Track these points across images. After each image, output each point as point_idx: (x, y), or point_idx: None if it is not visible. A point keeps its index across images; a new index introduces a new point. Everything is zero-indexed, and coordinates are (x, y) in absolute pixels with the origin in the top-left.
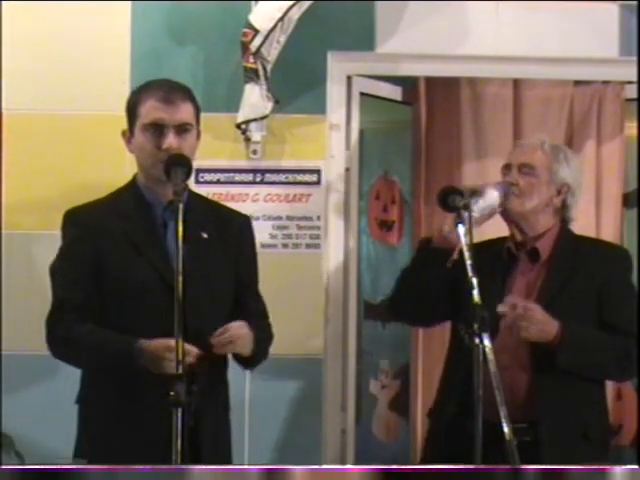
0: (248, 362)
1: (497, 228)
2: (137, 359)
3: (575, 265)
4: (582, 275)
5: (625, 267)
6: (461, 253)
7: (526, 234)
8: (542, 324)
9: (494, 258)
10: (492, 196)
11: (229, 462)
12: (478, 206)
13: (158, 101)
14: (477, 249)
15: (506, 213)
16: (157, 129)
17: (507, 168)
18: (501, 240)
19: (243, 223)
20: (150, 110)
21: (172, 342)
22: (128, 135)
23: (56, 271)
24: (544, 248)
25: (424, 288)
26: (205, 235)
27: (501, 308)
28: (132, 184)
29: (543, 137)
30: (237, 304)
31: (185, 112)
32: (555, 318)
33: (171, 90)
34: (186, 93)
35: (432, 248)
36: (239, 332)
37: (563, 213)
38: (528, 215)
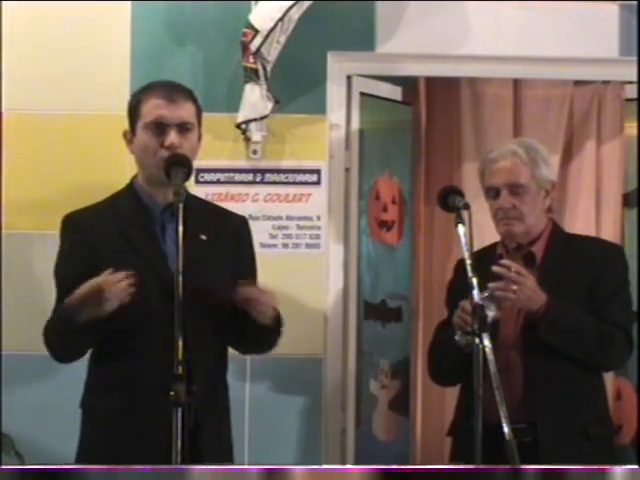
0: (261, 338)
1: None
2: (76, 315)
3: (568, 264)
4: (575, 273)
5: (617, 262)
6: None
7: (521, 242)
8: (531, 292)
9: (486, 267)
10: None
11: (231, 462)
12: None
13: (160, 99)
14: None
15: (508, 236)
16: (159, 127)
17: (494, 191)
18: (491, 247)
19: (240, 224)
20: (152, 108)
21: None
22: (130, 136)
23: (56, 277)
24: (539, 251)
25: (450, 367)
26: (204, 237)
27: (496, 268)
28: (129, 187)
29: (511, 145)
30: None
31: (187, 110)
32: None
33: (173, 89)
34: (188, 93)
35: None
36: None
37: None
38: (528, 229)
